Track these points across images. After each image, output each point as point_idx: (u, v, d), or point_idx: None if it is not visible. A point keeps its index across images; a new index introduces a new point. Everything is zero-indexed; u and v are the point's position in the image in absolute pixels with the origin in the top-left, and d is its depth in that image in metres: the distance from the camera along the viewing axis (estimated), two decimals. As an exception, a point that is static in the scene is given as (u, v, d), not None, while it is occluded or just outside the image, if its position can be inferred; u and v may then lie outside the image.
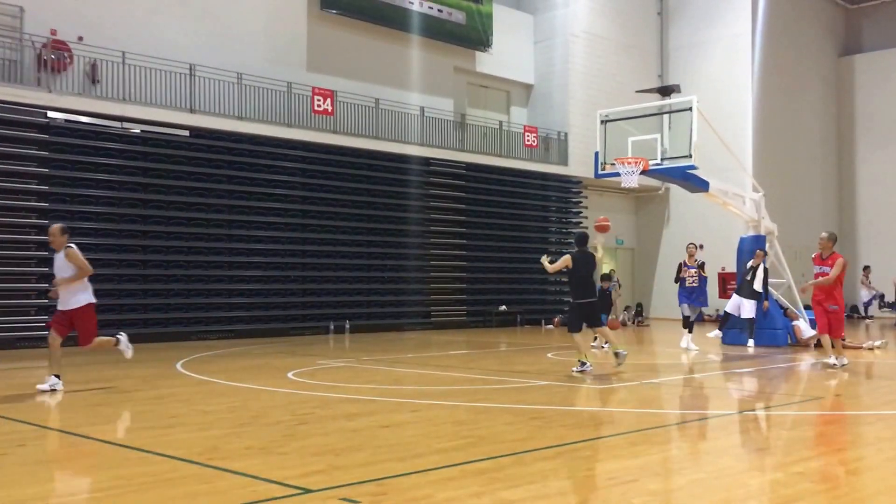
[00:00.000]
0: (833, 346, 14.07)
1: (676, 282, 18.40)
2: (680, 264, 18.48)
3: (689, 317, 18.26)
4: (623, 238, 35.06)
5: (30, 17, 20.00)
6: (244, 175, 22.67)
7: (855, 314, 32.46)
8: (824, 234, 14.08)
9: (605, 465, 6.80)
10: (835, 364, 13.79)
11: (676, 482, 6.40)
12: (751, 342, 18.86)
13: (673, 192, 32.78)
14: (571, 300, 14.21)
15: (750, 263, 18.94)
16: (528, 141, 29.88)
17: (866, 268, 31.22)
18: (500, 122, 29.77)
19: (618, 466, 6.73)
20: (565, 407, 10.31)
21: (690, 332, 18.27)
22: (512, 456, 6.96)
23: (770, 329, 19.02)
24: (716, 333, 19.17)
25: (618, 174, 18.42)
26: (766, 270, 18.83)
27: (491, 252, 28.67)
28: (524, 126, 30.45)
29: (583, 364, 13.44)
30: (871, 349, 17.96)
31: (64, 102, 19.72)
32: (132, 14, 21.92)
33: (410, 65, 27.61)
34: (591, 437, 8.28)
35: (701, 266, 18.26)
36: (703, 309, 20.49)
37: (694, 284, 18.13)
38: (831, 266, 13.58)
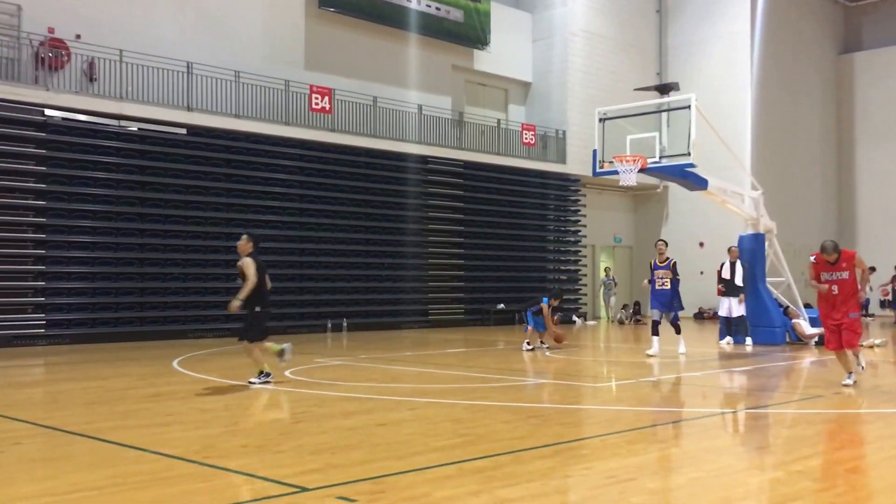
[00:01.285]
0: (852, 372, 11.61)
1: (649, 282, 16.76)
2: (649, 264, 17.04)
3: (657, 322, 16.40)
4: (621, 236, 35.05)
5: (27, 15, 19.94)
6: (241, 173, 22.62)
7: None
8: (830, 251, 11.25)
9: (604, 464, 6.74)
10: (855, 375, 11.58)
11: (675, 481, 6.38)
12: (748, 340, 18.88)
13: (672, 191, 32.67)
14: (255, 308, 11.84)
15: (727, 264, 19.17)
16: (527, 139, 29.84)
17: (872, 269, 31.30)
18: (498, 121, 29.71)
19: (616, 465, 6.69)
20: (563, 405, 10.28)
21: (678, 333, 16.76)
22: (510, 454, 6.93)
23: (768, 327, 19.00)
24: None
25: (616, 172, 18.35)
26: (744, 267, 19.03)
27: (489, 250, 28.62)
28: (522, 124, 30.42)
29: (265, 374, 11.81)
30: (871, 347, 17.94)
31: (61, 100, 19.69)
32: (130, 12, 21.85)
33: (408, 63, 27.53)
34: (590, 436, 8.26)
35: (672, 266, 16.42)
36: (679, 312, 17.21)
37: (664, 287, 16.34)
38: (847, 269, 11.18)
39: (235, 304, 11.50)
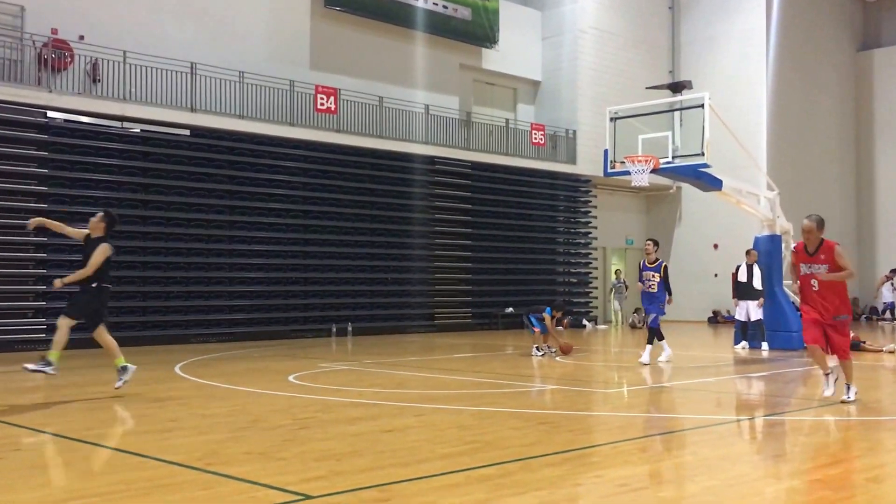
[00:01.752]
0: (829, 373, 10.20)
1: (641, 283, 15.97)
2: (638, 265, 16.33)
3: (654, 328, 15.71)
4: (633, 238, 34.65)
5: (30, 15, 19.77)
6: (245, 175, 22.37)
7: (874, 316, 32.11)
8: (809, 221, 9.99)
9: (615, 472, 6.62)
10: (848, 398, 9.95)
11: (689, 489, 6.21)
12: (764, 345, 18.49)
13: (685, 191, 32.36)
14: (93, 284, 10.84)
15: (743, 266, 18.79)
16: (536, 139, 29.53)
17: (894, 271, 30.93)
18: (507, 120, 29.44)
19: (628, 473, 6.58)
20: (573, 411, 10.08)
21: (650, 342, 15.65)
22: (519, 462, 6.80)
23: (785, 332, 18.62)
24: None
25: (628, 173, 18.11)
26: (762, 269, 18.65)
27: (497, 253, 28.31)
28: (531, 124, 30.12)
29: (46, 362, 10.66)
30: (891, 353, 17.55)
31: (64, 102, 19.51)
32: (133, 13, 21.67)
33: (415, 62, 27.29)
34: (601, 443, 8.15)
35: (662, 269, 15.55)
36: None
37: (651, 290, 15.47)
38: (826, 262, 9.82)
39: (58, 282, 10.64)
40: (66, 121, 19.59)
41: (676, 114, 18.73)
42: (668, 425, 9.14)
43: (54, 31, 19.92)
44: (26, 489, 6.09)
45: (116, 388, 10.88)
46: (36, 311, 19.03)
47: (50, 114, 19.31)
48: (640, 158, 17.88)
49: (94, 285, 10.78)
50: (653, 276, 15.55)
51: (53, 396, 10.82)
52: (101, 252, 10.66)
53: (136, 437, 8.07)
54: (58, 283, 10.66)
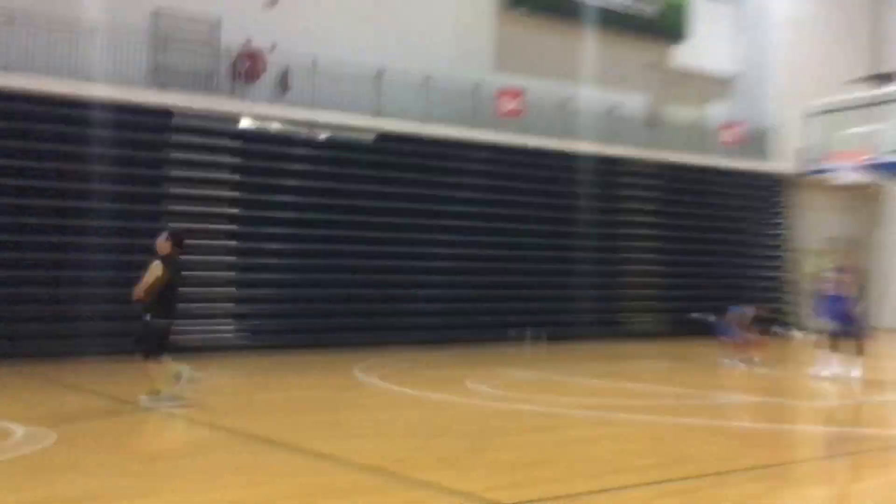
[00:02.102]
0: None
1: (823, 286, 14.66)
2: (827, 267, 14.98)
3: (834, 334, 14.23)
4: (833, 240, 32.67)
5: (225, 26, 20.27)
6: (430, 179, 22.43)
7: None
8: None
9: (818, 490, 6.39)
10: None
11: None
12: None
13: (890, 189, 30.27)
14: (158, 318, 10.26)
15: None
16: (728, 137, 28.27)
17: None
18: (697, 119, 28.37)
19: (831, 492, 6.36)
20: (772, 425, 9.63)
21: (860, 353, 14.16)
22: (713, 476, 6.63)
23: None
24: None
25: (830, 170, 17.00)
26: None
27: (687, 255, 27.16)
28: (723, 122, 28.91)
29: (158, 394, 10.25)
30: None
31: (255, 110, 20.09)
32: (325, 19, 22.03)
33: (601, 61, 26.58)
34: (802, 459, 7.80)
35: (849, 270, 14.25)
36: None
37: (840, 294, 14.12)
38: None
39: (134, 291, 10.27)
40: (257, 128, 20.16)
41: (884, 106, 17.47)
42: (876, 442, 8.51)
43: (248, 42, 20.36)
44: (208, 490, 6.24)
45: (178, 403, 10.28)
46: (225, 313, 19.57)
47: (242, 122, 19.92)
48: (843, 155, 16.77)
49: (146, 318, 10.33)
50: (837, 278, 14.19)
51: (243, 400, 11.00)
52: (151, 271, 10.29)
53: (330, 441, 8.15)
54: (137, 291, 10.40)
